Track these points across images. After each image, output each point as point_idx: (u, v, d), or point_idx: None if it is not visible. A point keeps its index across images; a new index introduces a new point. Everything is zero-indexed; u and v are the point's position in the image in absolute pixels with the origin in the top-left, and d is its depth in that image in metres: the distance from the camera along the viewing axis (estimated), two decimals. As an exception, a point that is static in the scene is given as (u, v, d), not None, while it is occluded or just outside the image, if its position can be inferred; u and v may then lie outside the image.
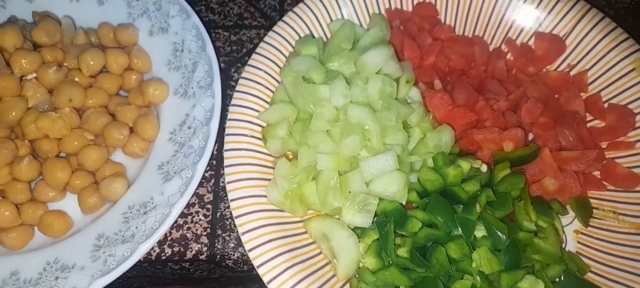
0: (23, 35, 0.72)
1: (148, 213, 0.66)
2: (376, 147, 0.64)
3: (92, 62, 0.73)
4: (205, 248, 0.71)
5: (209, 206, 0.73)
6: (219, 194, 0.75)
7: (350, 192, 0.63)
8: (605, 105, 0.74)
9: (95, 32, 0.80)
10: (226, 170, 0.66)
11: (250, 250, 0.61)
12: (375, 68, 0.68)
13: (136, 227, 0.65)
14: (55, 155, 0.71)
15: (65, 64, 0.74)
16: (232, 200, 0.64)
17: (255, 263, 0.60)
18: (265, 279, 0.60)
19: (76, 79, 0.73)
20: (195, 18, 0.77)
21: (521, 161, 0.69)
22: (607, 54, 0.75)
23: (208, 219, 0.73)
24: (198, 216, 0.73)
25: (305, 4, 0.79)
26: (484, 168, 0.66)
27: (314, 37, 0.78)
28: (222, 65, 0.85)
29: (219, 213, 0.73)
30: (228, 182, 0.65)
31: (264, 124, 0.71)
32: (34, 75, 0.71)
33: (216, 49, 0.81)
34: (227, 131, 0.69)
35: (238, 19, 0.90)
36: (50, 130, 0.68)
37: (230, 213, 0.73)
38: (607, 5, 0.91)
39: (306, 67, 0.69)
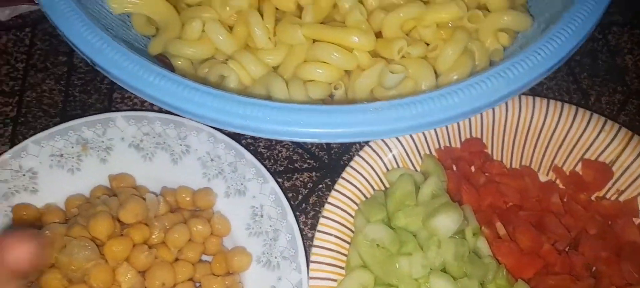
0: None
1: None
2: (463, 321, 0.67)
3: (178, 238, 0.75)
4: None
5: None
6: None
7: None
8: (661, 232, 0.79)
9: (173, 193, 0.81)
10: None
11: None
12: (448, 233, 0.72)
13: None
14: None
15: (152, 239, 0.75)
16: None
17: None
18: None
19: (163, 257, 0.74)
20: (273, 183, 0.79)
21: (595, 307, 0.73)
22: (656, 180, 0.80)
23: None
24: None
25: (360, 155, 0.83)
26: (565, 323, 0.70)
27: (374, 190, 0.82)
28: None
29: None
30: None
31: (344, 296, 0.73)
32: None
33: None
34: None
35: (288, 163, 0.92)
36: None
37: None
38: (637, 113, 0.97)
39: (380, 236, 0.72)
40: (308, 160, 0.93)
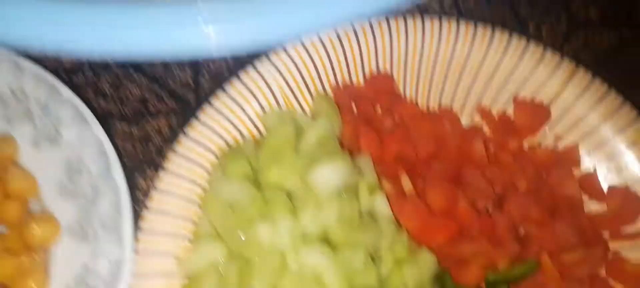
0: None
1: None
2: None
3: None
4: None
5: None
6: None
7: None
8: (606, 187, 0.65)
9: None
10: None
11: None
12: (331, 190, 0.54)
13: None
14: None
15: None
16: None
17: None
18: None
19: None
20: (97, 128, 0.59)
21: (519, 280, 0.58)
22: (601, 125, 0.65)
23: None
24: None
25: (225, 91, 0.63)
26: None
27: (243, 136, 0.63)
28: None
29: None
30: None
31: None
32: None
33: (114, 146, 0.63)
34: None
35: (141, 105, 0.72)
36: None
37: None
38: (584, 46, 0.82)
39: (236, 196, 0.53)
40: (167, 101, 0.72)
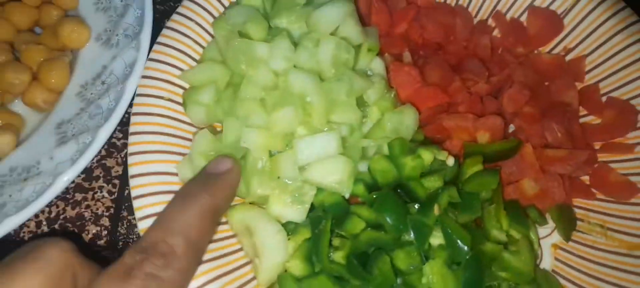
0: None
1: (28, 181, 0.55)
2: (317, 125, 0.54)
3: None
4: (105, 232, 0.61)
5: (116, 181, 0.63)
6: (131, 168, 0.64)
7: (279, 177, 0.53)
8: (604, 98, 0.65)
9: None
10: (130, 139, 0.55)
11: (148, 240, 0.51)
12: (330, 27, 0.58)
13: (10, 195, 0.54)
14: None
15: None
16: (131, 177, 0.53)
17: (152, 257, 0.50)
18: (162, 278, 0.49)
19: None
20: None
21: (497, 157, 0.60)
22: (612, 37, 0.65)
23: (113, 197, 0.62)
24: (101, 192, 0.62)
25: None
26: (451, 161, 0.57)
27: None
28: (156, 14, 0.73)
29: (126, 191, 0.63)
30: (130, 154, 0.55)
31: (188, 86, 0.60)
32: None
33: None
34: (138, 91, 0.58)
35: None
36: None
37: (142, 193, 0.62)
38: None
39: (243, 19, 0.58)
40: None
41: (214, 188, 0.48)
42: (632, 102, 0.63)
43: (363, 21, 0.69)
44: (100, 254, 0.62)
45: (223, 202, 0.50)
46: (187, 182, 0.51)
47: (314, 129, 0.54)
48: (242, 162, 0.55)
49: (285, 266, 0.52)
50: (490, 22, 0.72)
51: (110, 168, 0.64)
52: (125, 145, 0.65)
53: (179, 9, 0.63)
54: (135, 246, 0.42)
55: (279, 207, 0.53)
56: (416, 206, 0.53)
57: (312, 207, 0.55)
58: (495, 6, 0.72)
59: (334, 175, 0.53)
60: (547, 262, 0.61)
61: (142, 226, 0.52)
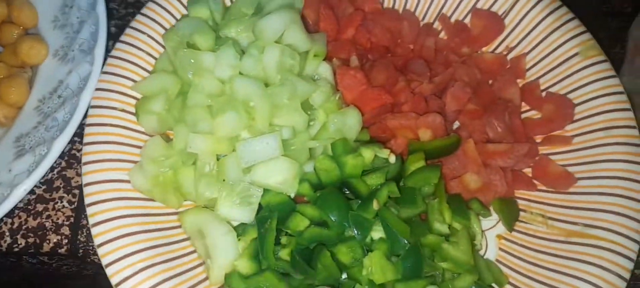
0: None
1: (-13, 193, 0.58)
2: (261, 128, 0.56)
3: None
4: (65, 241, 0.63)
5: (76, 191, 0.65)
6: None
7: (224, 180, 0.55)
8: (544, 94, 0.69)
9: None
10: (84, 149, 0.58)
11: (100, 245, 0.53)
12: (274, 35, 0.61)
13: (-31, 208, 0.57)
14: None
15: None
16: (85, 185, 0.56)
17: (104, 261, 0.53)
18: (113, 281, 0.52)
19: None
20: None
21: (439, 153, 0.63)
22: (550, 35, 0.69)
23: (73, 207, 0.65)
24: (62, 202, 0.65)
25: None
26: (392, 158, 0.60)
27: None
28: (113, 29, 0.76)
29: (86, 201, 0.65)
30: (84, 163, 0.57)
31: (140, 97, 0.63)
32: None
33: (109, 10, 0.72)
34: (92, 103, 0.61)
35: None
36: None
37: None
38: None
39: (191, 31, 0.61)
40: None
41: None
42: (569, 96, 0.66)
43: (311, 28, 0.72)
44: (67, 261, 0.64)
45: None
46: None
47: (258, 132, 0.56)
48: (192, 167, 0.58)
49: (233, 265, 0.55)
50: (437, 24, 0.76)
51: (70, 178, 0.66)
52: (84, 156, 0.68)
53: (132, 23, 0.66)
54: None
55: (227, 208, 0.56)
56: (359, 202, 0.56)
57: (261, 208, 0.57)
58: (440, 9, 0.75)
59: (278, 175, 0.56)
60: (492, 253, 0.63)
61: (96, 231, 0.54)
